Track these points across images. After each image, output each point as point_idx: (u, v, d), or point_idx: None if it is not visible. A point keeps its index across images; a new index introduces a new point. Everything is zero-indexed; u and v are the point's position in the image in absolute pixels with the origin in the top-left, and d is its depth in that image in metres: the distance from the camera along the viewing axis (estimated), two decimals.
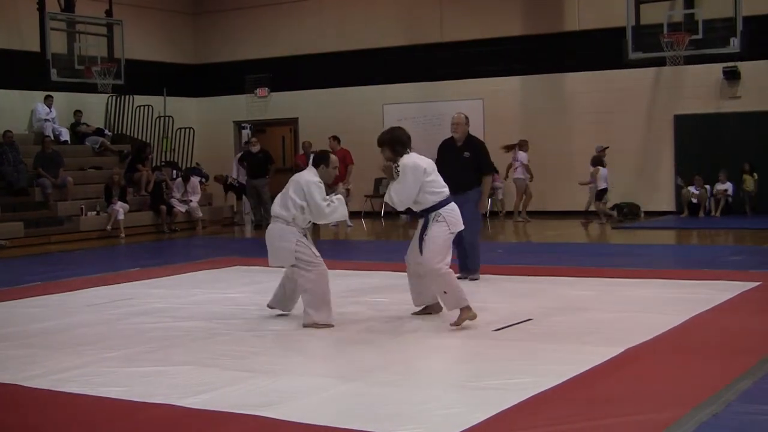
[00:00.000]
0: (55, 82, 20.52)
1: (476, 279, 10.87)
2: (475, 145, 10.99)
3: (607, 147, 20.26)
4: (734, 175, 19.90)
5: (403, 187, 8.24)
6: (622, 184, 20.61)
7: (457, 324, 8.05)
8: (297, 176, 8.57)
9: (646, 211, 20.46)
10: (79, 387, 6.30)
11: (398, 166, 8.28)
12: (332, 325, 8.21)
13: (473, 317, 8.09)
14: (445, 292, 8.18)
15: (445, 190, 8.44)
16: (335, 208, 8.45)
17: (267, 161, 21.21)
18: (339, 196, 8.61)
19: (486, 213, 18.75)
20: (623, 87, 21.01)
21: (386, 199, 8.50)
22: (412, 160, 8.33)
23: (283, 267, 8.72)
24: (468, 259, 10.94)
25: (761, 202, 19.79)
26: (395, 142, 8.38)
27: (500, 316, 8.56)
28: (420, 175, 8.24)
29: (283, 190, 8.52)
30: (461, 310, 8.13)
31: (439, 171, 10.31)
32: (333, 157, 8.66)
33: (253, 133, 25.66)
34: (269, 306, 8.94)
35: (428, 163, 8.43)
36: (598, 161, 19.73)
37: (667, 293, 9.73)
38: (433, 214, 8.26)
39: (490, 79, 22.40)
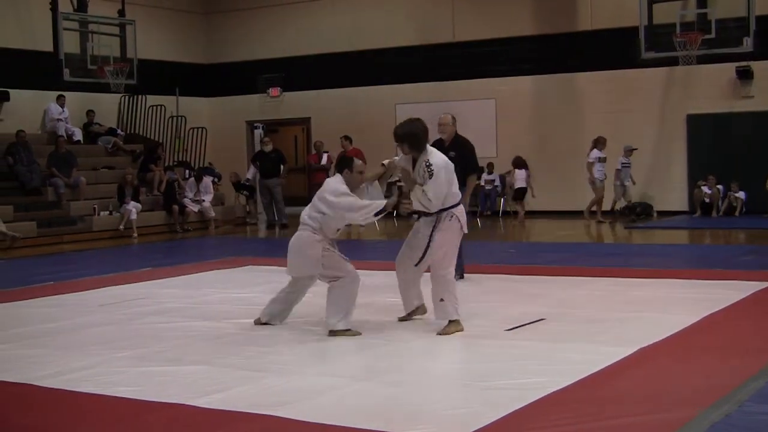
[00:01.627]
0: (67, 81, 20.60)
1: (461, 278, 10.84)
2: (462, 145, 10.97)
3: (636, 148, 20.20)
4: (748, 177, 19.71)
5: (438, 185, 7.96)
6: (636, 184, 20.54)
7: (445, 334, 7.88)
8: (325, 183, 8.21)
9: (658, 210, 20.42)
10: (91, 387, 6.31)
11: (431, 165, 8.00)
12: (360, 333, 7.93)
13: (460, 330, 7.92)
14: (441, 300, 7.98)
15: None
16: (367, 205, 8.00)
17: (280, 161, 21.21)
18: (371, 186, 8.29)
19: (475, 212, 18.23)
20: (636, 86, 20.97)
21: (422, 203, 8.05)
22: (442, 158, 8.14)
23: (301, 276, 8.32)
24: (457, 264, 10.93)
25: None
26: (416, 137, 8.09)
27: (512, 316, 8.56)
28: (449, 174, 8.11)
29: (314, 198, 8.20)
30: (450, 321, 7.97)
31: None
32: (358, 161, 8.23)
33: (265, 132, 25.70)
34: (261, 323, 8.48)
35: (449, 164, 8.25)
36: (516, 163, 20.60)
37: (679, 293, 9.71)
38: (444, 213, 8.11)
39: (503, 79, 22.38)
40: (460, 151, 10.83)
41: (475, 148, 11.16)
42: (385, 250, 11.99)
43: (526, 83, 22.32)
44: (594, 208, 19.99)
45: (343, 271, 8.02)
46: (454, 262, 8.20)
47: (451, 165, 8.22)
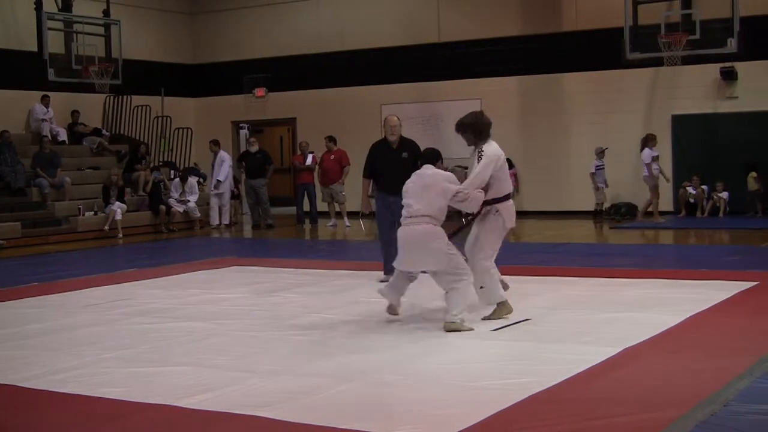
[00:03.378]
0: (52, 81, 20.52)
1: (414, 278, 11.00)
2: (413, 147, 11.12)
3: (606, 148, 20.32)
4: (732, 178, 19.78)
5: (482, 171, 8.18)
6: (620, 184, 20.61)
7: (491, 318, 8.21)
8: (429, 177, 8.22)
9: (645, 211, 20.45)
10: (78, 388, 6.30)
11: (482, 152, 8.24)
12: (472, 328, 7.95)
13: (509, 311, 8.28)
14: (481, 287, 8.27)
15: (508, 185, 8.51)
16: (475, 195, 8.20)
17: (265, 161, 21.19)
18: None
19: None
20: (621, 87, 21.01)
21: (471, 207, 8.28)
22: (497, 150, 8.35)
23: (425, 271, 8.37)
24: None
25: (763, 203, 19.70)
26: (481, 127, 8.38)
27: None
28: (499, 167, 8.31)
29: (414, 189, 8.21)
30: (498, 305, 8.29)
31: (375, 172, 10.67)
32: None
33: (251, 133, 25.67)
34: (392, 313, 8.60)
35: (502, 156, 8.46)
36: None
37: (664, 293, 9.72)
38: (490, 207, 8.30)
39: (488, 79, 22.39)
40: (412, 152, 11.02)
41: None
42: (374, 251, 11.96)
43: (512, 83, 22.34)
44: (650, 209, 19.48)
45: (463, 266, 8.12)
46: (493, 253, 8.45)
47: (505, 159, 8.52)
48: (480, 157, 8.25)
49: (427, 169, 8.28)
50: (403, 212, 8.24)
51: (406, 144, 11.16)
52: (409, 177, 10.88)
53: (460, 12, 22.80)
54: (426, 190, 8.12)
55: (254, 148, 21.29)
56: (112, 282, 11.84)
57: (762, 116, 19.68)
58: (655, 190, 19.30)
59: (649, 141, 19.27)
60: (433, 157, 8.43)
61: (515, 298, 9.44)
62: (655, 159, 19.18)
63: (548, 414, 5.36)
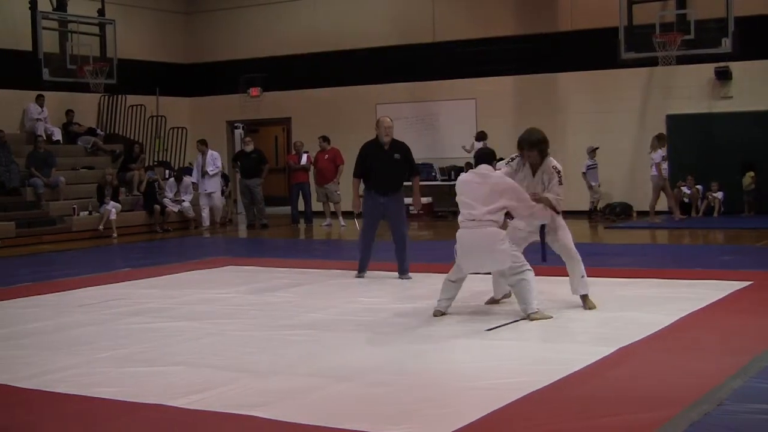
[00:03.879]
0: (47, 81, 20.47)
1: (409, 278, 11.21)
2: (404, 148, 11.33)
3: (597, 147, 20.36)
4: (726, 177, 19.80)
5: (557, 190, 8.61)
6: (615, 183, 20.63)
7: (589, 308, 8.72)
8: (498, 180, 8.40)
9: (638, 210, 20.49)
10: (72, 387, 6.29)
11: (560, 170, 8.64)
12: (551, 316, 8.38)
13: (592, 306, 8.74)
14: (582, 277, 8.80)
15: None
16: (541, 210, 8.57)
17: (260, 161, 21.17)
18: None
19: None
20: (616, 87, 21.04)
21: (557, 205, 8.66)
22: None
23: (489, 271, 8.82)
24: (401, 259, 11.33)
25: (757, 202, 19.74)
26: (545, 146, 8.80)
27: (492, 316, 8.58)
28: None
29: (479, 191, 8.34)
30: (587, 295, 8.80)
31: (368, 172, 10.86)
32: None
33: (246, 132, 25.67)
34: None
35: None
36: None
37: (658, 293, 9.73)
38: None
39: (483, 79, 22.40)
40: (405, 154, 11.29)
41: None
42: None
43: (507, 83, 22.36)
44: (669, 207, 19.47)
45: (521, 258, 8.42)
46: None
47: None
48: (560, 175, 8.62)
49: (488, 170, 8.45)
50: (464, 213, 8.38)
51: (398, 146, 11.30)
52: (400, 178, 11.19)
53: (455, 11, 22.81)
54: (494, 194, 8.28)
55: (249, 148, 21.26)
56: (107, 282, 11.82)
57: (757, 116, 19.72)
58: (661, 190, 19.32)
59: (660, 141, 19.26)
60: (491, 156, 8.65)
61: (510, 297, 9.46)
62: (665, 159, 19.21)
63: (543, 414, 5.36)
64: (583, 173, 20.33)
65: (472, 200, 8.32)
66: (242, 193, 21.49)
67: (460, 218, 8.45)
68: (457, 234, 8.44)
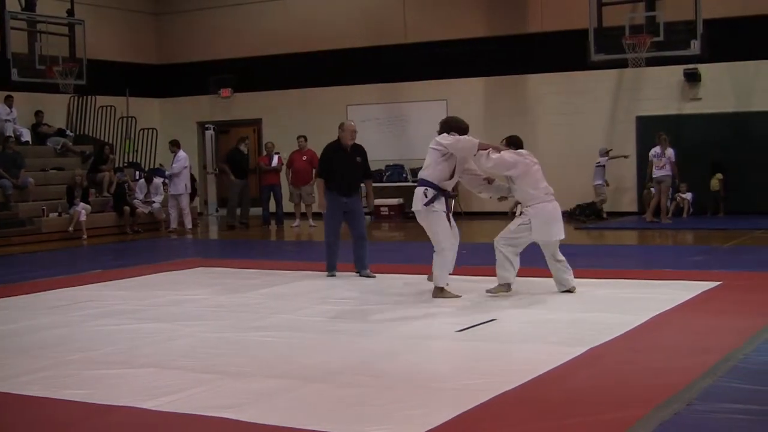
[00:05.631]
0: (15, 82, 20.36)
1: (372, 276, 11.44)
2: (363, 152, 11.87)
3: (610, 150, 20.39)
4: (695, 179, 19.93)
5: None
6: (585, 184, 20.73)
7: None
8: (534, 161, 9.76)
9: (609, 211, 20.58)
10: (42, 390, 6.25)
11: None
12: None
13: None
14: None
15: None
16: None
17: (248, 162, 21.30)
18: None
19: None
20: (586, 88, 21.15)
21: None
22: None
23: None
24: (361, 255, 11.62)
25: (726, 203, 19.91)
26: (447, 125, 10.53)
27: (463, 316, 8.60)
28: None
29: (539, 170, 9.75)
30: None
31: (330, 173, 11.36)
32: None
33: (216, 134, 25.63)
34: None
35: None
36: None
37: (629, 293, 9.79)
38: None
39: (454, 80, 22.46)
40: (363, 157, 11.83)
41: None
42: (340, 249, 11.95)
43: (478, 84, 22.43)
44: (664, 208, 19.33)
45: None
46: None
47: None
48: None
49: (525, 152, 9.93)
50: (545, 189, 9.72)
51: (357, 149, 11.79)
52: (359, 180, 11.88)
53: (426, 13, 22.86)
54: (538, 172, 9.79)
55: (245, 149, 21.33)
56: (77, 283, 11.75)
57: (725, 118, 19.90)
58: (667, 190, 19.31)
59: (660, 139, 19.12)
60: (517, 143, 10.09)
61: (481, 299, 9.50)
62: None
63: (514, 414, 5.38)
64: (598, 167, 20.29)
65: (542, 179, 9.88)
66: (233, 192, 21.18)
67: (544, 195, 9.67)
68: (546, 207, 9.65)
